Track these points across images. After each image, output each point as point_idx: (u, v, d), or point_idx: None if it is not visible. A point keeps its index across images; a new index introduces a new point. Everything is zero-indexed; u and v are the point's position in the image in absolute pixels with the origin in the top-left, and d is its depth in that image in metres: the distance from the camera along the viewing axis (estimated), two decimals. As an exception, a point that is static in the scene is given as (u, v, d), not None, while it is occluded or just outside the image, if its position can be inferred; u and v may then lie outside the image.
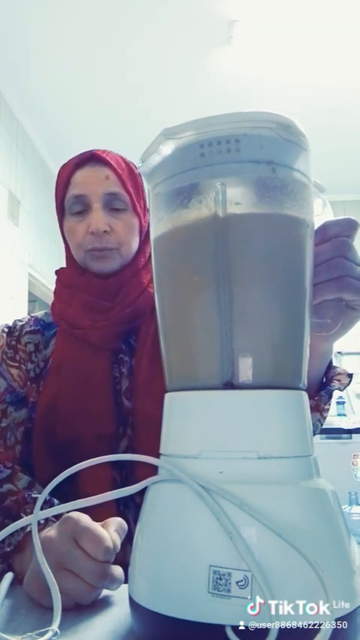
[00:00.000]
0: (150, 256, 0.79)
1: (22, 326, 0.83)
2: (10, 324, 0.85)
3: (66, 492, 0.54)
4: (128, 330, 0.79)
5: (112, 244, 0.78)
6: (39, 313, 0.88)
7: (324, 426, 0.75)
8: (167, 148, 0.41)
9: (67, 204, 0.80)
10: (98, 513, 0.51)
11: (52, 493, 0.60)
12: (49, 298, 3.73)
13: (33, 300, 3.58)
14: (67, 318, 0.80)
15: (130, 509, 0.69)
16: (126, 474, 0.70)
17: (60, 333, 0.81)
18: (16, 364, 0.80)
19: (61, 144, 3.56)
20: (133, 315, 0.78)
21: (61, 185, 0.80)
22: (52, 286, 0.89)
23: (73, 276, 0.82)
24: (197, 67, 2.94)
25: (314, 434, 0.69)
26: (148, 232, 0.82)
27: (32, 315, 0.88)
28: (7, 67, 2.88)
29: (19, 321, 0.85)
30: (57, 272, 0.86)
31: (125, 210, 0.79)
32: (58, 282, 0.86)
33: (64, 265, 0.87)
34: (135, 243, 0.81)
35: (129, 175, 0.80)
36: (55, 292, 0.86)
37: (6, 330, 0.83)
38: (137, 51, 2.80)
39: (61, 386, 0.75)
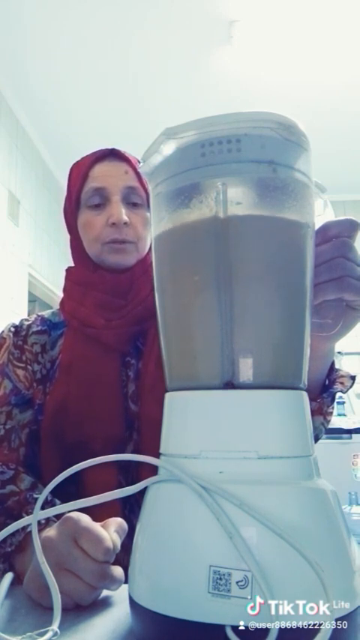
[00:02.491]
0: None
1: (29, 326, 0.82)
2: (17, 323, 0.83)
3: (72, 495, 0.54)
4: (138, 333, 0.79)
5: (131, 238, 0.78)
6: (46, 312, 0.87)
7: (324, 426, 0.75)
8: (168, 148, 0.41)
9: (85, 197, 0.79)
10: (103, 516, 0.51)
11: (58, 497, 0.60)
12: (49, 298, 3.74)
13: (33, 300, 3.57)
14: (79, 316, 0.79)
15: (134, 513, 0.68)
16: (132, 478, 0.69)
17: (69, 332, 0.80)
18: (23, 365, 0.79)
19: (61, 144, 3.56)
20: (145, 314, 0.77)
21: (78, 179, 0.80)
22: (52, 286, 0.88)
23: (84, 274, 0.82)
24: (197, 67, 2.94)
25: (319, 437, 0.69)
26: None
27: (39, 314, 0.87)
28: (7, 67, 2.88)
29: (26, 320, 0.84)
30: (67, 270, 0.86)
31: (142, 206, 0.80)
32: (68, 279, 0.85)
33: (64, 265, 0.86)
34: (149, 239, 0.81)
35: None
36: (65, 290, 0.85)
37: (13, 329, 0.82)
38: (137, 51, 2.80)
39: (71, 387, 0.74)
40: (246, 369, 0.39)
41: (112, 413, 0.73)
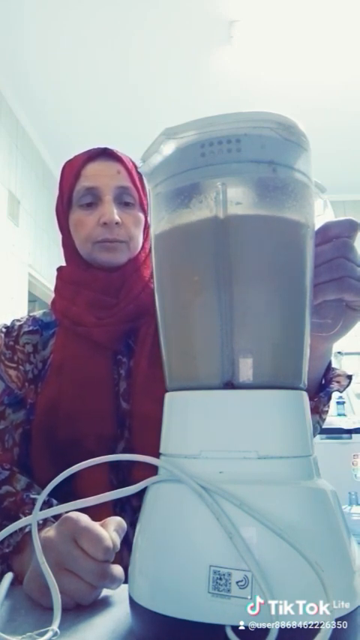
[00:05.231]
0: (149, 252, 0.79)
1: (21, 326, 0.82)
2: (8, 323, 0.83)
3: (64, 494, 0.53)
4: (129, 330, 0.79)
5: (123, 237, 0.78)
6: (37, 313, 0.87)
7: (324, 426, 0.75)
8: (168, 148, 0.41)
9: (77, 196, 0.79)
10: (95, 515, 0.51)
11: (51, 494, 0.60)
12: (49, 298, 3.72)
13: (33, 300, 3.57)
14: (70, 315, 0.79)
15: (126, 512, 0.68)
16: (123, 476, 0.69)
17: (61, 331, 0.80)
18: (14, 365, 0.79)
19: (61, 144, 3.55)
20: (137, 312, 0.77)
21: (70, 178, 0.80)
22: (52, 286, 0.88)
23: (76, 272, 0.82)
24: (197, 67, 2.94)
25: (314, 435, 0.69)
26: (147, 229, 0.82)
27: (30, 314, 0.87)
28: (7, 67, 2.88)
29: (17, 320, 0.84)
30: (59, 269, 0.86)
31: (134, 206, 0.80)
32: (59, 278, 0.85)
33: (64, 264, 0.87)
34: (141, 239, 0.81)
35: (136, 172, 0.80)
36: (56, 289, 0.85)
37: (4, 330, 0.82)
38: (137, 51, 2.80)
39: (63, 385, 0.74)
40: (246, 369, 0.39)
41: (103, 411, 0.73)
